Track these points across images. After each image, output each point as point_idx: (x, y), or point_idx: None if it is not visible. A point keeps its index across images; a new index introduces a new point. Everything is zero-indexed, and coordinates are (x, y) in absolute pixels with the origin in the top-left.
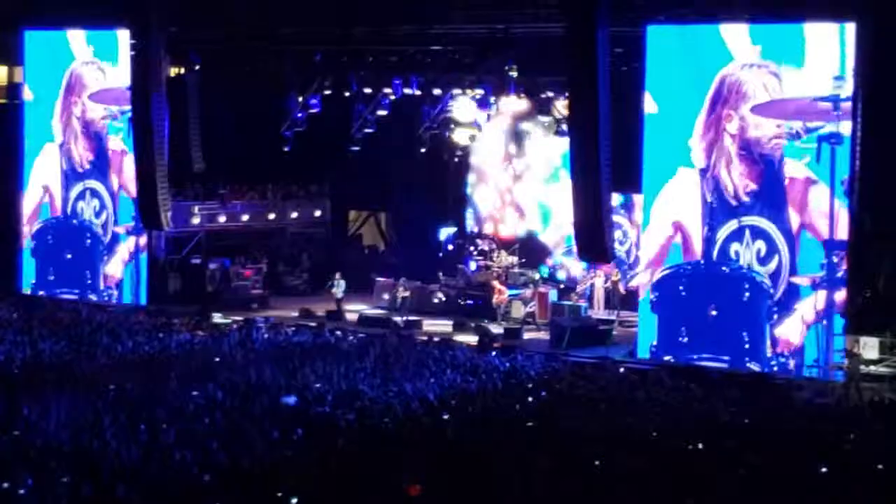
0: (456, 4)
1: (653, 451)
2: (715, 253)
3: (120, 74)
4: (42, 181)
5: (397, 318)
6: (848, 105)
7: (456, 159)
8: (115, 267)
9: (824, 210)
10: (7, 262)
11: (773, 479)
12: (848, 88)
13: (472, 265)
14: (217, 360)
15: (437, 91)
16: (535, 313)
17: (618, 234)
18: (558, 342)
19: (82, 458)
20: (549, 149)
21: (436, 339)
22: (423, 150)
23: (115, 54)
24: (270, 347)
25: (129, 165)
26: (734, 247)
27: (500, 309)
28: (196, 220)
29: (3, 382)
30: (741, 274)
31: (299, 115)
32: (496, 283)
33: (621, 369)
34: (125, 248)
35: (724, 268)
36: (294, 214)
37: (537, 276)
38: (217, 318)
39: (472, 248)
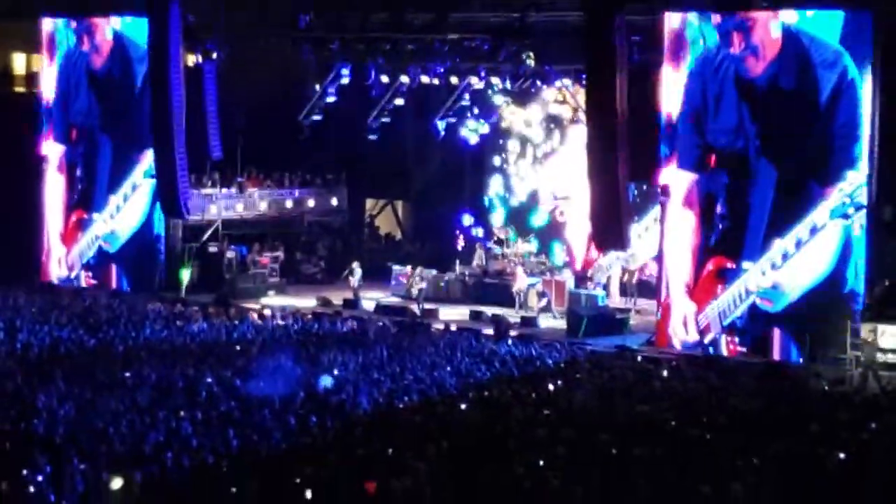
0: None
1: (669, 439)
2: None
3: None
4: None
5: (414, 307)
6: None
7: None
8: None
9: None
10: (27, 249)
11: (790, 467)
12: None
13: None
14: (234, 347)
15: (454, 79)
16: (551, 302)
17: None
18: (575, 331)
19: (99, 446)
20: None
21: (452, 327)
22: (439, 138)
23: None
24: (287, 335)
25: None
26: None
27: (519, 296)
28: (213, 209)
29: (21, 370)
30: None
31: (317, 103)
32: (518, 270)
33: (638, 358)
34: None
35: None
36: (311, 203)
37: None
38: (234, 305)
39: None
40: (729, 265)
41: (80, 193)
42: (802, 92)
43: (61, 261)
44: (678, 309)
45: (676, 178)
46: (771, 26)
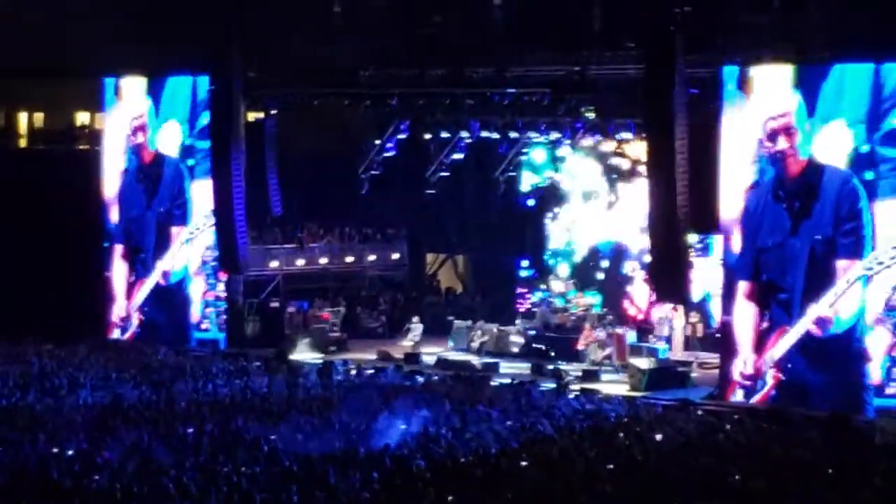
0: (532, 46)
1: (732, 492)
2: None
3: None
4: None
5: (475, 362)
6: None
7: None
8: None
9: None
10: (90, 307)
11: None
12: None
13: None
14: (294, 402)
15: (513, 134)
16: (612, 355)
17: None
18: (636, 384)
19: (161, 502)
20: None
21: (513, 381)
22: (499, 192)
23: None
24: (348, 390)
25: None
26: None
27: (585, 350)
28: (274, 264)
29: (84, 426)
30: None
31: (376, 158)
32: (586, 325)
33: (700, 412)
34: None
35: None
36: (372, 257)
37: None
38: (295, 360)
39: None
40: (788, 328)
41: (137, 268)
42: (816, 184)
43: (122, 308)
44: (740, 359)
45: (737, 287)
46: (800, 150)
